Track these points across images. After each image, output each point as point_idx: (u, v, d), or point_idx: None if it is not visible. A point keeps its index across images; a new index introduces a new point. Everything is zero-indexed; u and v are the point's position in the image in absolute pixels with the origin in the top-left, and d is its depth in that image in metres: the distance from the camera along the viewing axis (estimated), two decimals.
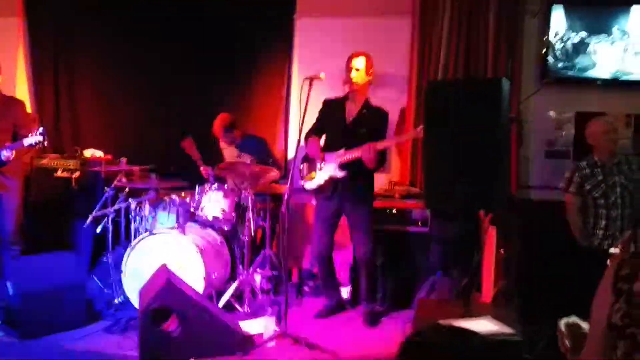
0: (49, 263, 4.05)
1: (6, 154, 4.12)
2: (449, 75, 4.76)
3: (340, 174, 3.96)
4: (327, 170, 4.02)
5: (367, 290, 4.14)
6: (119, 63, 5.74)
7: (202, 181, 4.61)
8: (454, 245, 4.05)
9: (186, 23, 5.70)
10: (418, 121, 4.71)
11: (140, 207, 4.43)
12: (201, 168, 4.83)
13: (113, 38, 5.72)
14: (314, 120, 4.22)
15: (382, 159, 3.99)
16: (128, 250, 4.13)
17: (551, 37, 4.73)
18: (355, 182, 3.99)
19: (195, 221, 4.41)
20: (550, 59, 4.77)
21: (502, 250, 3.85)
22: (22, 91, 5.55)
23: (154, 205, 4.39)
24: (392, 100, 4.94)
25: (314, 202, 4.90)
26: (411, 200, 4.51)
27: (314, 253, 4.28)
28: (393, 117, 4.96)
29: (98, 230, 4.37)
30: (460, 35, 4.77)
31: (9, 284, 3.75)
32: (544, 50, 4.76)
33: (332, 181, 4.02)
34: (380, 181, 4.83)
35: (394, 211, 4.45)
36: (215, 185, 4.43)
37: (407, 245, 4.41)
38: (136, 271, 4.07)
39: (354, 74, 4.00)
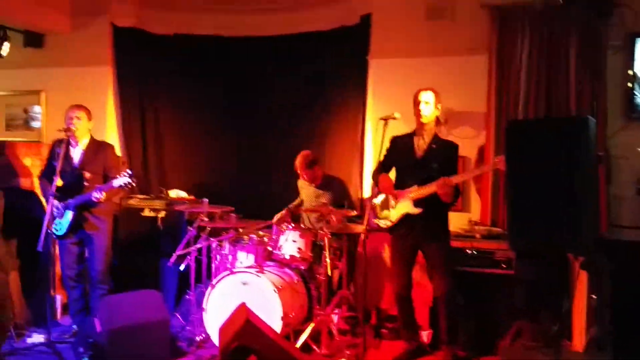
0: (135, 301, 4.19)
1: (97, 195, 4.34)
2: (530, 113, 4.63)
3: (416, 210, 3.91)
4: (401, 207, 3.98)
5: (448, 333, 4.00)
6: (200, 106, 6.04)
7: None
8: (541, 289, 3.86)
9: (264, 66, 5.92)
10: None
11: (220, 246, 4.55)
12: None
13: (194, 82, 6.04)
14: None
15: (457, 192, 3.93)
16: (209, 288, 4.23)
17: (637, 70, 4.52)
18: (430, 218, 3.93)
19: (273, 260, 4.47)
20: (637, 92, 4.54)
21: (593, 295, 3.63)
22: (112, 135, 5.90)
23: (234, 245, 4.50)
24: (470, 138, 4.88)
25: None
26: (493, 241, 4.36)
27: (394, 293, 4.19)
28: (471, 154, 4.89)
29: (181, 268, 4.52)
30: (540, 72, 4.64)
31: (97, 321, 3.91)
32: (629, 84, 4.55)
33: (407, 218, 3.96)
34: (460, 221, 4.73)
35: (475, 252, 4.32)
36: (292, 224, 4.48)
37: (489, 287, 4.25)
38: (217, 309, 4.15)
39: (422, 107, 4.00)
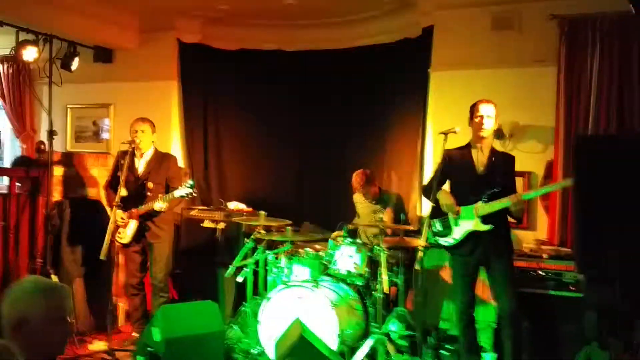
0: (193, 310, 4.23)
1: (160, 204, 4.44)
2: (600, 127, 4.39)
3: (485, 227, 3.72)
4: (466, 224, 3.80)
5: (513, 356, 3.79)
6: (261, 120, 6.12)
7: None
8: (612, 315, 3.60)
9: (324, 78, 5.92)
10: (567, 175, 4.39)
11: (277, 259, 4.54)
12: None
13: (256, 97, 6.13)
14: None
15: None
16: (265, 301, 4.22)
17: None
18: (497, 235, 3.74)
19: (329, 275, 4.41)
20: None
21: None
22: (176, 147, 6.05)
23: (290, 258, 4.48)
24: (538, 153, 4.67)
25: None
26: (561, 262, 4.14)
27: (456, 313, 4.02)
28: (539, 170, 4.69)
29: (239, 279, 4.54)
30: (611, 85, 4.40)
31: (155, 330, 3.96)
32: None
33: (472, 235, 3.80)
34: (526, 239, 4.53)
35: (541, 272, 4.11)
36: (348, 239, 4.41)
37: (556, 310, 4.03)
38: (272, 322, 4.13)
39: (485, 121, 3.81)
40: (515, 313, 3.72)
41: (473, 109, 3.88)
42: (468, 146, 3.93)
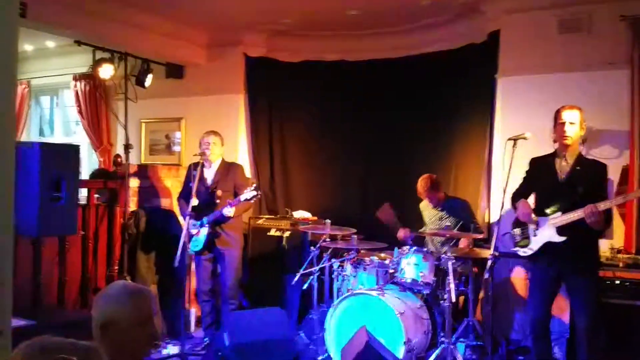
0: (261, 317, 4.33)
1: (228, 210, 4.58)
2: None
3: (559, 238, 3.60)
4: (543, 235, 3.68)
5: None
6: (324, 130, 6.21)
7: (400, 243, 4.63)
8: None
9: (388, 86, 5.94)
10: None
11: (342, 267, 4.58)
12: (399, 232, 4.89)
13: (318, 107, 6.23)
14: (519, 181, 3.98)
15: (608, 218, 3.57)
16: (331, 308, 4.25)
17: None
18: (577, 247, 3.58)
19: (395, 283, 4.40)
20: None
21: None
22: (243, 158, 6.21)
23: (355, 266, 4.50)
24: (612, 159, 4.48)
25: (522, 267, 4.62)
26: (639, 271, 3.96)
27: (529, 324, 3.90)
28: (614, 176, 4.49)
29: (304, 287, 4.61)
30: None
31: (225, 335, 4.08)
32: None
33: (549, 246, 3.68)
34: (602, 248, 4.35)
35: (617, 282, 3.95)
36: (415, 247, 4.40)
37: (634, 321, 3.85)
38: (338, 330, 4.17)
39: (568, 128, 3.67)
40: (592, 329, 3.55)
41: (556, 116, 3.74)
42: (554, 154, 3.82)
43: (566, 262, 3.61)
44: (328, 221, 4.78)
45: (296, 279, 4.62)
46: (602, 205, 3.42)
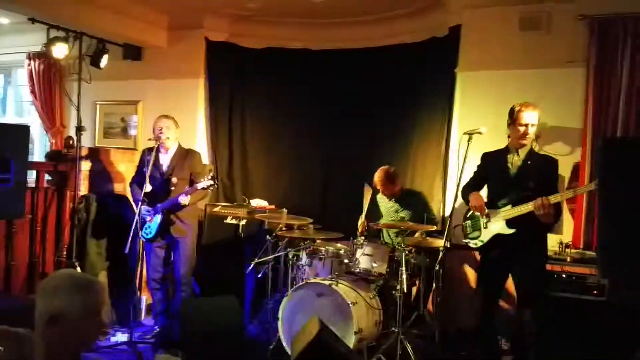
0: (214, 306, 4.28)
1: (183, 198, 4.51)
2: (630, 130, 4.29)
3: (508, 230, 3.68)
4: (493, 228, 3.76)
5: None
6: (286, 119, 6.14)
7: (355, 234, 4.64)
8: (636, 321, 3.51)
9: (350, 77, 5.92)
10: (594, 178, 4.31)
11: (297, 256, 4.56)
12: (360, 221, 4.89)
13: (282, 95, 6.16)
14: (471, 175, 4.04)
15: (557, 213, 3.65)
16: (285, 297, 4.23)
17: None
18: (525, 240, 3.66)
19: (349, 273, 4.40)
20: None
21: None
22: (201, 144, 6.11)
23: (310, 256, 4.49)
24: (565, 155, 4.58)
25: (473, 259, 4.68)
26: (585, 265, 4.06)
27: (478, 314, 3.96)
28: (565, 172, 4.58)
29: (259, 275, 4.58)
30: None
31: (176, 324, 4.02)
32: None
33: (498, 239, 3.75)
34: (550, 242, 4.44)
35: (564, 276, 4.03)
36: (369, 238, 4.40)
37: (582, 315, 3.94)
38: (291, 319, 4.14)
39: (530, 130, 3.73)
40: (539, 322, 3.64)
41: (515, 115, 3.77)
42: (506, 149, 3.88)
43: (514, 254, 3.70)
44: (284, 210, 4.76)
45: (251, 267, 4.58)
46: (552, 199, 3.49)
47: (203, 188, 4.45)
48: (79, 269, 4.55)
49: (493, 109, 4.65)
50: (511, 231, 3.66)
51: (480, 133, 3.79)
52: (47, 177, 5.08)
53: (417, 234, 4.61)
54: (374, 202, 5.14)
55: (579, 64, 4.57)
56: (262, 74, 6.19)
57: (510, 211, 3.67)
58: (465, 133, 3.84)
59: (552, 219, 3.59)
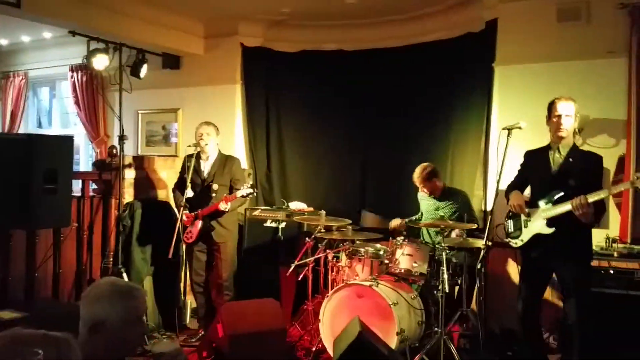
0: (256, 308, 4.31)
1: (223, 205, 4.57)
2: None
3: (548, 230, 3.58)
4: (533, 227, 3.67)
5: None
6: (322, 121, 6.18)
7: (394, 233, 4.62)
8: None
9: (385, 76, 5.90)
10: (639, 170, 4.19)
11: (337, 258, 4.56)
12: (392, 221, 4.88)
13: (316, 98, 6.21)
14: (514, 171, 3.96)
15: (600, 210, 3.53)
16: (325, 299, 4.25)
17: None
18: (566, 239, 3.56)
19: (389, 274, 4.39)
20: None
21: None
22: (240, 149, 6.18)
23: (350, 257, 4.49)
24: (609, 148, 4.46)
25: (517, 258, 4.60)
26: (634, 260, 3.94)
27: (520, 313, 3.89)
28: (610, 165, 4.46)
29: (299, 278, 4.60)
30: None
31: (219, 327, 4.07)
32: None
33: (539, 238, 3.66)
34: (597, 237, 4.32)
35: (612, 271, 3.93)
36: (409, 238, 4.38)
37: (629, 311, 3.83)
38: (332, 320, 4.16)
39: (564, 121, 3.63)
40: (582, 319, 3.54)
41: (551, 107, 3.69)
42: (548, 146, 3.79)
43: (556, 254, 3.60)
44: (323, 212, 4.78)
45: (291, 269, 4.61)
46: (591, 197, 3.38)
47: (242, 196, 4.52)
48: (125, 275, 4.66)
49: (532, 102, 4.56)
50: (551, 230, 3.57)
51: (520, 128, 3.72)
52: (92, 185, 5.22)
53: (454, 233, 4.54)
54: (414, 200, 5.10)
55: (621, 54, 4.46)
56: (297, 77, 6.24)
57: (550, 210, 3.58)
58: (504, 128, 3.78)
59: (592, 218, 3.46)
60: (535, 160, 3.85)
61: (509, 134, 3.75)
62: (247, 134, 6.25)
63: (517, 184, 3.92)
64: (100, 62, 5.12)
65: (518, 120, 3.80)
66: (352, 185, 6.04)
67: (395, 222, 4.99)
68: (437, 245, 4.28)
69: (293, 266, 4.59)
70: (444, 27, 5.67)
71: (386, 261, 4.39)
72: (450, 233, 4.52)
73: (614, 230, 4.41)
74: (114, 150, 5.16)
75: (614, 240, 4.20)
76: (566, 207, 3.47)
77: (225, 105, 6.24)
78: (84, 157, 7.63)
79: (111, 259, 4.96)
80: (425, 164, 4.92)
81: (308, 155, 6.21)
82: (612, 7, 4.45)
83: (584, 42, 4.63)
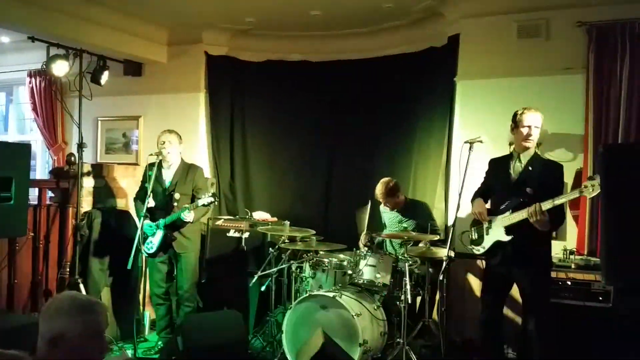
0: (217, 320, 4.26)
1: (186, 214, 4.50)
2: (631, 136, 4.29)
3: (506, 238, 3.65)
4: (493, 235, 3.74)
5: None
6: (286, 132, 6.18)
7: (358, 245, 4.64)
8: None
9: (350, 88, 5.95)
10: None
11: (300, 269, 4.54)
12: (362, 238, 4.89)
13: (280, 108, 6.19)
14: (475, 185, 4.03)
15: (558, 218, 3.61)
16: (288, 310, 4.21)
17: None
18: (524, 246, 3.62)
19: (353, 284, 4.38)
20: None
21: None
22: (203, 158, 6.10)
23: (314, 267, 4.47)
24: (567, 162, 4.56)
25: (477, 268, 4.66)
26: (590, 272, 4.04)
27: (480, 323, 3.93)
28: (568, 179, 4.56)
29: (263, 288, 4.56)
30: None
31: (179, 340, 3.99)
32: None
33: (499, 245, 3.71)
34: (555, 249, 4.41)
35: (569, 283, 4.02)
36: (372, 249, 4.39)
37: (585, 321, 3.92)
38: (295, 332, 4.12)
39: (533, 132, 3.68)
40: (541, 329, 3.59)
41: (519, 118, 3.73)
42: (510, 155, 3.86)
43: (515, 262, 3.66)
44: (287, 222, 4.76)
45: (254, 280, 4.56)
46: (544, 205, 3.44)
47: (204, 205, 4.46)
48: (82, 286, 4.54)
49: (493, 117, 4.66)
50: (509, 238, 3.63)
51: (481, 142, 3.79)
52: (49, 194, 5.08)
53: (420, 244, 4.59)
54: (376, 213, 5.12)
55: (579, 70, 4.59)
56: (262, 86, 6.22)
57: (508, 218, 3.64)
58: (466, 142, 3.84)
59: (548, 226, 3.53)
60: (497, 168, 3.92)
61: (470, 148, 3.81)
62: (210, 142, 6.19)
63: (482, 191, 3.98)
64: (60, 68, 4.99)
65: (479, 133, 3.88)
66: (316, 196, 6.03)
67: (363, 240, 4.98)
68: (400, 257, 4.30)
69: (256, 277, 4.54)
70: (407, 41, 5.75)
71: (350, 272, 4.39)
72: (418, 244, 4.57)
73: (571, 242, 4.51)
74: (72, 158, 5.03)
75: (572, 252, 4.29)
76: (522, 214, 3.53)
77: (188, 113, 6.16)
78: (41, 164, 7.41)
79: (68, 270, 4.82)
80: (387, 179, 4.94)
81: (272, 165, 6.19)
82: (571, 25, 4.59)
83: (543, 58, 4.76)
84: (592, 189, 3.27)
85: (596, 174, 3.77)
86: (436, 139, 5.31)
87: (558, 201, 3.45)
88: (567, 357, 3.84)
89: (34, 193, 4.99)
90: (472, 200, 3.95)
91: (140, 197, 4.80)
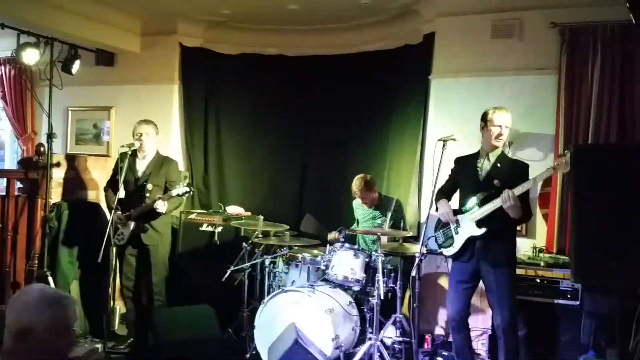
0: (188, 315, 4.22)
1: (159, 205, 4.44)
2: (601, 136, 4.38)
3: (479, 231, 3.68)
4: (464, 232, 3.78)
5: None
6: (261, 125, 6.15)
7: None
8: (609, 323, 3.56)
9: (326, 83, 5.95)
10: (566, 184, 4.40)
11: (274, 264, 4.53)
12: (329, 234, 4.91)
13: (255, 101, 6.15)
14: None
15: (526, 210, 3.68)
16: (261, 305, 4.20)
17: None
18: (493, 241, 3.68)
19: (326, 280, 4.39)
20: None
21: None
22: (176, 150, 6.03)
23: (287, 263, 4.47)
24: (538, 161, 4.64)
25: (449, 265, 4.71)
26: (558, 270, 4.12)
27: (448, 319, 3.99)
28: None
29: (235, 283, 4.54)
30: (613, 93, 4.39)
31: (150, 334, 3.95)
32: None
33: (470, 241, 3.75)
34: (524, 247, 4.50)
35: (538, 280, 4.09)
36: (346, 245, 4.40)
37: (553, 318, 4.00)
38: (267, 327, 4.11)
39: (504, 132, 3.74)
40: (508, 324, 3.65)
41: (489, 117, 3.77)
42: (477, 153, 3.90)
43: (482, 257, 3.71)
44: (261, 217, 4.74)
45: (227, 275, 4.54)
46: (517, 190, 3.50)
47: (178, 195, 4.42)
48: (50, 279, 4.45)
49: (466, 114, 4.70)
50: (482, 231, 3.67)
51: (454, 140, 3.82)
52: (18, 184, 4.97)
53: (386, 239, 4.61)
54: (349, 209, 5.14)
55: (551, 71, 4.67)
56: (237, 79, 6.17)
57: (478, 211, 3.69)
58: (439, 139, 3.87)
59: (520, 213, 3.60)
60: (464, 166, 3.95)
61: (444, 145, 3.83)
62: (184, 135, 6.12)
63: (446, 190, 4.01)
64: (31, 56, 4.88)
65: (452, 131, 3.91)
66: (290, 191, 6.02)
67: (332, 235, 4.99)
68: (373, 252, 4.32)
69: (229, 271, 4.52)
70: (383, 38, 5.78)
71: (323, 267, 4.39)
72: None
73: (540, 240, 4.60)
74: (42, 148, 4.92)
75: (541, 250, 4.37)
76: (495, 203, 3.58)
77: (161, 105, 6.07)
78: (9, 154, 7.24)
79: (36, 262, 4.73)
80: (362, 174, 4.96)
81: (247, 159, 6.15)
82: (544, 26, 4.66)
83: (516, 58, 4.82)
84: (564, 165, 3.35)
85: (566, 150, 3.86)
86: (410, 136, 5.35)
87: (528, 185, 3.53)
88: (535, 354, 3.91)
89: (2, 183, 4.88)
90: (436, 199, 3.95)
91: (111, 187, 4.72)
